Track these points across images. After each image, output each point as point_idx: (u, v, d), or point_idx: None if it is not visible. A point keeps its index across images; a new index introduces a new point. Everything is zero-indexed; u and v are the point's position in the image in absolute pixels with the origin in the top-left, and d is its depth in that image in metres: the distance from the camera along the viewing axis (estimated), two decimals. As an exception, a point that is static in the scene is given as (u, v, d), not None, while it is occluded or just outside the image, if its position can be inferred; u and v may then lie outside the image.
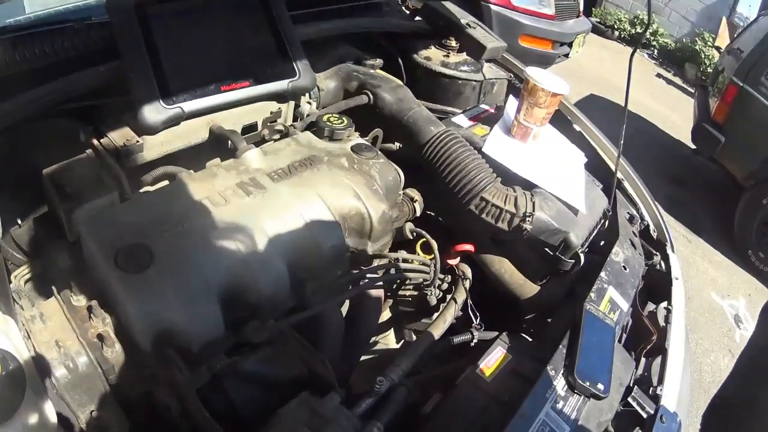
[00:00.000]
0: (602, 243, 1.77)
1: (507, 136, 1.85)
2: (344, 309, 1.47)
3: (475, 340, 1.46)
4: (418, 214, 1.65)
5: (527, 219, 1.53)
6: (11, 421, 0.88)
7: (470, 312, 1.61)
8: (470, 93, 2.16)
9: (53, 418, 0.93)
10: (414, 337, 1.44)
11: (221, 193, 1.28)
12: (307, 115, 1.75)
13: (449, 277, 1.62)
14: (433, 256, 1.50)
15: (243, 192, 1.30)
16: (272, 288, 1.19)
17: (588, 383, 1.23)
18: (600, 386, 1.23)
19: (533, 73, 1.74)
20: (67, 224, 1.25)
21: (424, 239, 1.53)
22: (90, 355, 1.05)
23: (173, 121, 1.41)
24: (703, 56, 8.62)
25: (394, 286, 1.63)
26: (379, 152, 1.55)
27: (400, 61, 2.15)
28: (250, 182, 1.33)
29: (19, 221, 1.38)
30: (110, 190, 1.29)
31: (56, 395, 1.01)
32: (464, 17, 2.23)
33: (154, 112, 1.37)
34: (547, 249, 1.58)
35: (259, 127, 1.61)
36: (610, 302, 1.45)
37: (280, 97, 1.63)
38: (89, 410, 1.03)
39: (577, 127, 2.11)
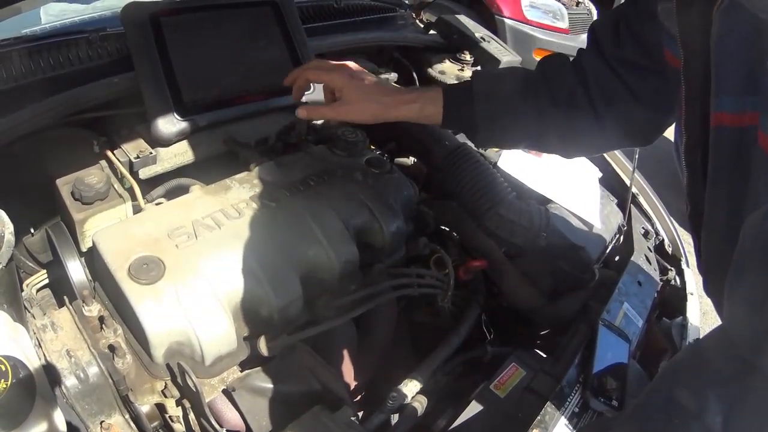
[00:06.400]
0: (617, 258, 1.76)
1: (522, 151, 1.84)
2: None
3: (488, 356, 1.45)
4: (432, 228, 1.64)
5: (542, 234, 1.52)
6: (21, 428, 0.88)
7: (484, 327, 1.59)
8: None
9: (63, 427, 0.93)
10: (427, 353, 1.43)
11: (235, 206, 1.27)
12: (322, 129, 1.75)
13: (463, 292, 1.60)
14: (446, 271, 1.49)
15: (256, 205, 1.29)
16: (285, 302, 1.18)
17: (602, 400, 1.21)
18: (614, 403, 1.22)
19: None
20: (80, 234, 1.25)
21: (438, 254, 1.51)
22: (101, 366, 1.04)
23: (187, 133, 1.42)
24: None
25: (407, 301, 1.62)
26: (394, 166, 1.55)
27: (414, 74, 2.15)
28: (264, 195, 1.32)
29: (32, 230, 1.38)
30: (123, 201, 1.29)
31: (66, 404, 1.00)
32: (478, 31, 2.23)
33: (167, 123, 1.37)
34: (561, 264, 1.57)
35: (273, 140, 1.61)
36: (625, 318, 1.44)
37: (293, 109, 1.63)
38: (99, 420, 1.02)
39: (591, 142, 2.10)
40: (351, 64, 1.36)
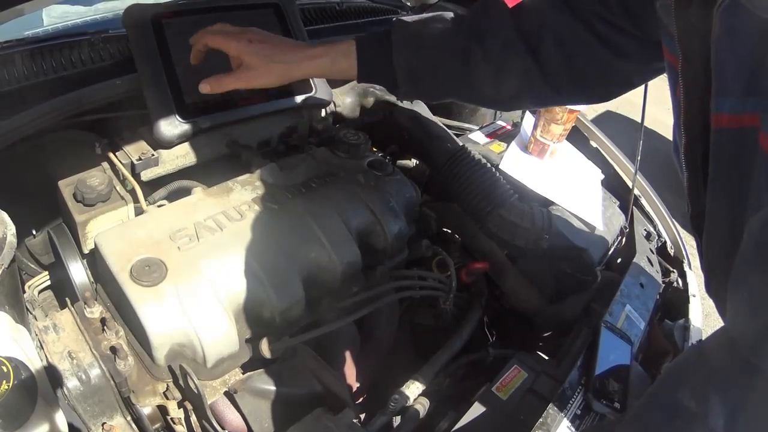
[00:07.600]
0: (619, 260, 1.76)
1: (524, 153, 1.85)
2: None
3: (490, 358, 1.45)
4: (434, 231, 1.64)
5: (544, 236, 1.52)
6: (22, 429, 0.88)
7: (486, 330, 1.59)
8: (487, 109, 2.15)
9: (64, 428, 0.93)
10: (429, 355, 1.43)
11: (237, 208, 1.27)
12: (323, 131, 1.75)
13: (465, 294, 1.60)
14: (449, 273, 1.49)
15: (258, 207, 1.29)
16: (287, 304, 1.18)
17: (604, 402, 1.21)
18: (617, 405, 1.22)
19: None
20: (82, 236, 1.25)
21: (440, 256, 1.51)
22: (103, 367, 1.04)
23: (189, 135, 1.41)
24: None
25: (409, 303, 1.61)
26: (396, 169, 1.55)
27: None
28: (266, 197, 1.32)
29: (34, 231, 1.38)
30: (125, 203, 1.29)
31: (68, 406, 1.00)
32: (480, 33, 2.22)
33: (169, 126, 1.37)
34: (563, 266, 1.56)
35: (275, 142, 1.61)
36: (627, 320, 1.44)
37: (296, 112, 1.63)
38: (101, 422, 1.02)
39: (593, 144, 2.10)
40: (254, 30, 1.28)
